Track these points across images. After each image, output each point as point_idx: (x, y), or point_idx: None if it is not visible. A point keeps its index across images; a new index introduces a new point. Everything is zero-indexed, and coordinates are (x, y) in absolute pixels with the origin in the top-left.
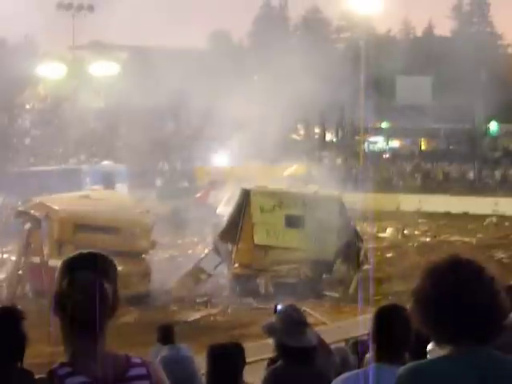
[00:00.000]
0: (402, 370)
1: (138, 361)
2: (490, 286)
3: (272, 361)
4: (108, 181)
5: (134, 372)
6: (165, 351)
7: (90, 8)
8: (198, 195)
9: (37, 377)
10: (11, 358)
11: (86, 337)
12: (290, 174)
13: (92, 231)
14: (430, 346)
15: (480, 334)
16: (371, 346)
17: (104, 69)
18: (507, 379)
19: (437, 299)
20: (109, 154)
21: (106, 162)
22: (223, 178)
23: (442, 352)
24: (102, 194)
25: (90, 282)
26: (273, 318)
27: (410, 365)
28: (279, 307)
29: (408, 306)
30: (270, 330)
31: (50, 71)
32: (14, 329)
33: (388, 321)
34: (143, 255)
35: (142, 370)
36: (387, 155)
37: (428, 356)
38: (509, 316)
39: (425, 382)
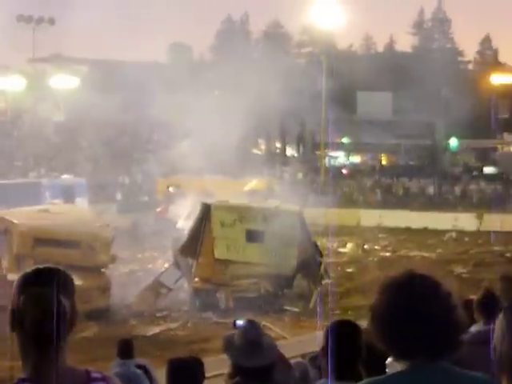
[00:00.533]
0: None
1: (98, 375)
2: (445, 302)
3: (231, 373)
4: (68, 195)
5: None
6: (116, 368)
7: (51, 21)
8: (159, 209)
9: None
10: None
11: (44, 352)
12: (251, 189)
13: (52, 245)
14: (388, 360)
15: (436, 350)
16: (321, 362)
17: (64, 82)
18: None
19: (392, 315)
20: (69, 167)
21: (65, 176)
22: (183, 192)
23: (400, 366)
24: (62, 208)
25: (47, 297)
26: (230, 333)
27: (365, 381)
28: (238, 323)
29: (366, 321)
30: (228, 347)
31: (10, 84)
32: None
33: (337, 337)
34: (103, 269)
35: None
36: (348, 170)
37: (387, 370)
38: (468, 331)
39: None
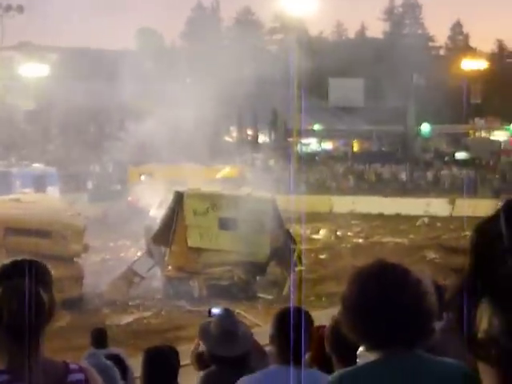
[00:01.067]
0: (332, 377)
1: (75, 367)
2: (416, 289)
3: (199, 354)
4: (39, 184)
5: (72, 378)
6: (85, 359)
7: (19, 9)
8: (130, 198)
9: None
10: None
11: (23, 344)
12: (223, 176)
13: (23, 235)
14: (359, 351)
15: (408, 338)
16: (271, 349)
17: (34, 70)
18: (437, 381)
19: (363, 305)
20: (39, 156)
21: (36, 165)
22: (155, 180)
23: (372, 356)
24: (33, 197)
25: (25, 289)
26: (206, 321)
27: (340, 371)
28: (213, 311)
29: (337, 312)
30: (204, 336)
31: None
32: None
33: (285, 324)
34: (75, 259)
35: (80, 376)
36: (320, 157)
37: (358, 360)
38: (443, 317)
39: None
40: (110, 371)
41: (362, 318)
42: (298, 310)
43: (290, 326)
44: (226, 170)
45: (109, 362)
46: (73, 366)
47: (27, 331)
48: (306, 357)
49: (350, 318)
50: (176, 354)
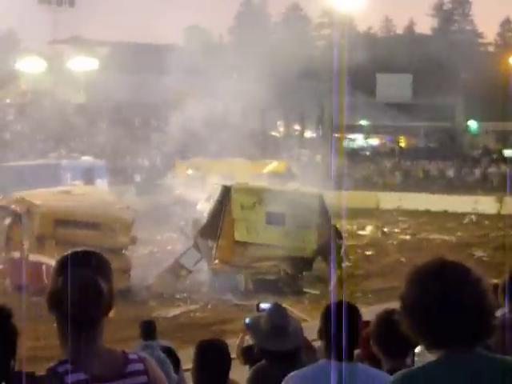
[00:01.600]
0: (395, 376)
1: (135, 357)
2: (476, 288)
3: (246, 348)
4: (88, 176)
5: (131, 368)
6: (140, 350)
7: (71, 2)
8: (178, 191)
9: (36, 374)
10: (5, 358)
11: (83, 335)
12: (271, 171)
13: (72, 227)
14: (417, 350)
15: (470, 337)
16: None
17: (84, 64)
18: (499, 380)
19: (424, 305)
20: (89, 149)
21: (85, 158)
22: (203, 174)
23: (432, 356)
24: (82, 190)
25: (86, 280)
26: (256, 316)
27: (403, 371)
28: (262, 306)
29: (385, 304)
30: (255, 331)
31: (30, 66)
32: (5, 327)
33: (333, 318)
34: (123, 251)
35: (139, 366)
36: (367, 153)
37: (416, 359)
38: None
39: None
40: (165, 364)
41: (422, 317)
42: (347, 305)
43: (339, 321)
44: (272, 165)
45: (162, 355)
46: (132, 356)
47: (87, 321)
48: (357, 352)
49: (410, 317)
50: (227, 347)
